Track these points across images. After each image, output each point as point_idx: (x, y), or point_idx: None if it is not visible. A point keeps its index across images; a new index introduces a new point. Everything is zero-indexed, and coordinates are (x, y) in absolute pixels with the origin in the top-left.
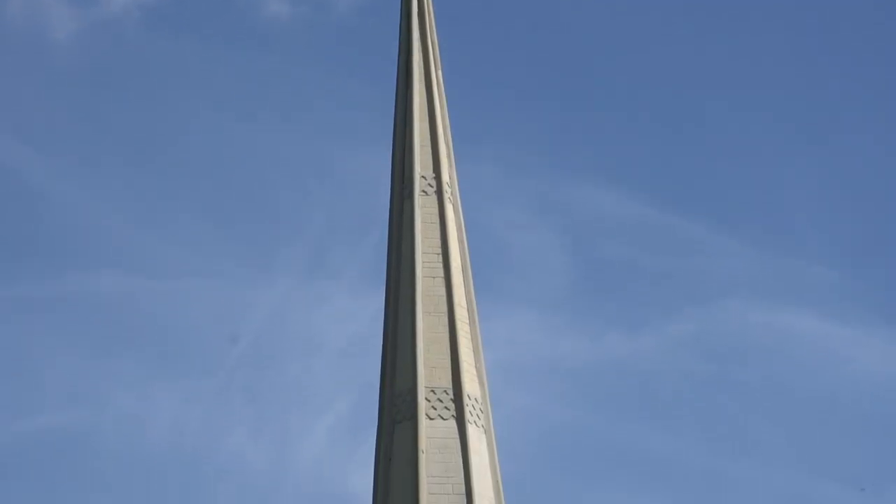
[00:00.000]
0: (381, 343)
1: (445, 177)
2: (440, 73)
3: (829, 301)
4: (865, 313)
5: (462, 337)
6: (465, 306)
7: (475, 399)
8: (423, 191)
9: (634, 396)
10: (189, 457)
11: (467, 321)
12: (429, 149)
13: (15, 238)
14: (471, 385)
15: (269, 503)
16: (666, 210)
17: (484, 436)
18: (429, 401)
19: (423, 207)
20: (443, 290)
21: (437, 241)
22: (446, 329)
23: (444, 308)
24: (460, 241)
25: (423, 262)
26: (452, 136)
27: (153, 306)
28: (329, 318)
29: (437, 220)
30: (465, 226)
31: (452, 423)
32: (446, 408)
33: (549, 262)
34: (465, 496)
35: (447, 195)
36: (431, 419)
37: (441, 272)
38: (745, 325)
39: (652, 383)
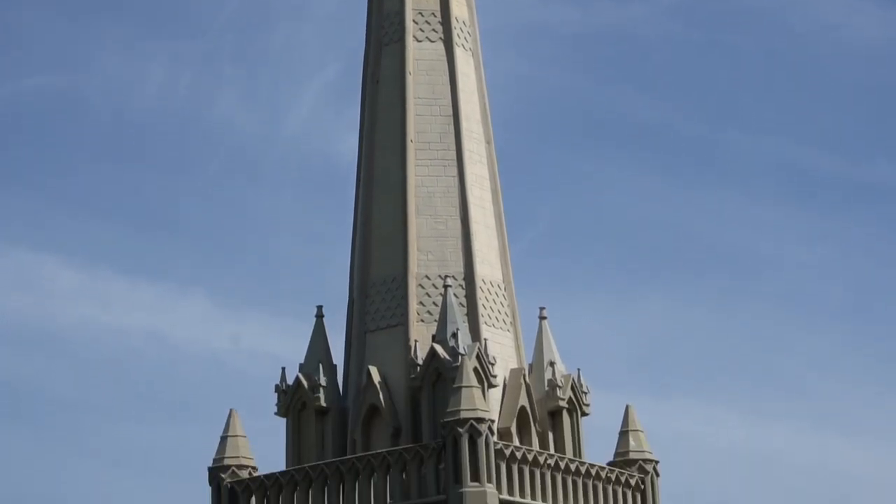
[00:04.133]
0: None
1: None
2: None
3: None
4: None
5: None
6: None
7: (463, 22)
8: None
9: (625, 64)
10: (178, 121)
11: None
12: None
13: None
14: (458, 8)
15: (258, 167)
16: None
17: (472, 59)
18: (416, 23)
19: None
20: None
21: None
22: None
23: None
24: None
25: None
26: None
27: None
28: None
29: None
30: None
31: (440, 46)
32: (434, 30)
33: None
34: (451, 118)
35: None
36: (419, 41)
37: None
38: None
39: (643, 50)
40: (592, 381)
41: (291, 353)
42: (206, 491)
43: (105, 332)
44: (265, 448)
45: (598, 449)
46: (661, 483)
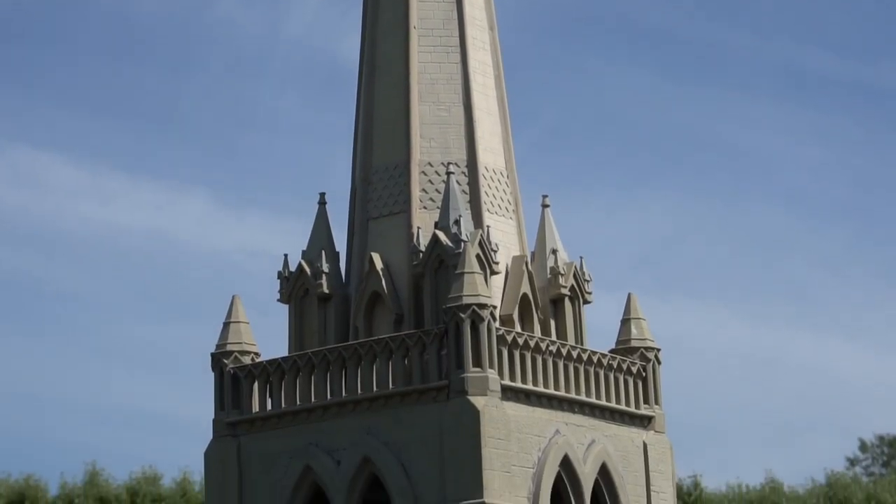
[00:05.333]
0: None
1: None
2: None
3: None
4: None
5: None
6: None
7: None
8: None
9: None
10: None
11: None
12: None
13: None
14: None
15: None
16: None
17: None
18: None
19: None
20: None
21: None
22: None
23: None
24: None
25: None
26: None
27: None
28: None
29: None
30: None
31: None
32: None
33: None
34: (455, 3)
35: None
36: None
37: None
38: None
39: None
40: (594, 277)
41: (294, 248)
42: (209, 379)
43: (107, 230)
44: (267, 338)
45: (599, 344)
46: (662, 371)
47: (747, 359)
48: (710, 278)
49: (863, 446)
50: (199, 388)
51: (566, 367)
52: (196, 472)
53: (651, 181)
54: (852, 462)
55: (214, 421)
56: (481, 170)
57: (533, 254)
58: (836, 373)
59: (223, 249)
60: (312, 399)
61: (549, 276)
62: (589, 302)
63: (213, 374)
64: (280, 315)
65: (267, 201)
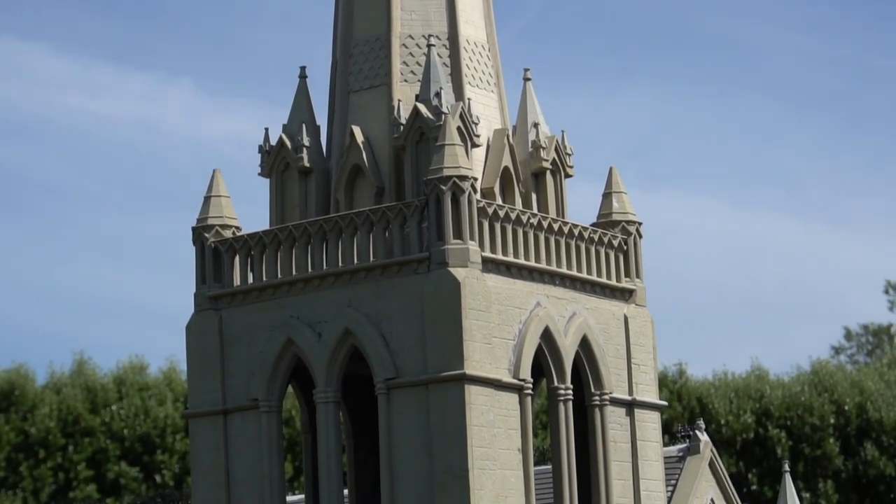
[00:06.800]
0: None
1: None
2: None
3: None
4: None
5: None
6: None
7: None
8: None
9: None
10: None
11: None
12: None
13: None
14: None
15: None
16: None
17: None
18: None
19: None
20: None
21: None
22: None
23: None
24: None
25: None
26: None
27: None
28: None
29: None
30: None
31: None
32: None
33: None
34: None
35: None
36: None
37: None
38: None
39: None
40: (578, 163)
41: (275, 123)
42: (191, 254)
43: (94, 121)
44: (249, 216)
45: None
46: (643, 244)
47: (734, 247)
48: (697, 168)
49: (848, 335)
50: (186, 278)
51: (547, 240)
52: (182, 361)
53: (638, 72)
54: (837, 350)
55: (196, 295)
56: (462, 42)
57: (514, 127)
58: (823, 261)
59: (209, 139)
60: (294, 272)
61: (530, 149)
62: (570, 176)
63: (194, 248)
64: (261, 190)
65: (253, 90)
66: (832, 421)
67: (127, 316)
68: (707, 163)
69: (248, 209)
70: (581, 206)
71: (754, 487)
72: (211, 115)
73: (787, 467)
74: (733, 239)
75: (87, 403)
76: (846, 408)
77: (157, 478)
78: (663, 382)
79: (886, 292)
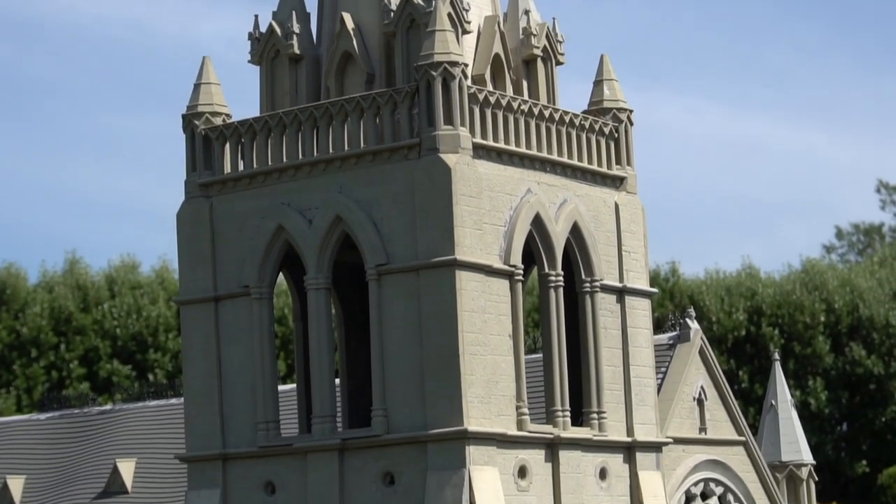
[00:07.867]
0: None
1: None
2: None
3: None
4: None
5: None
6: None
7: None
8: None
9: None
10: None
11: None
12: None
13: None
14: None
15: None
16: None
17: None
18: None
19: None
20: None
21: None
22: None
23: None
24: None
25: None
26: None
27: None
28: None
29: None
30: None
31: None
32: None
33: None
34: None
35: None
36: None
37: None
38: None
39: None
40: (572, 69)
41: (265, 9)
42: (181, 141)
43: (85, 20)
44: (239, 103)
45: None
46: (634, 132)
47: (726, 146)
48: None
49: (839, 234)
50: (178, 176)
51: (538, 127)
52: (174, 260)
53: None
54: (828, 249)
55: (186, 182)
56: None
57: (505, 14)
58: (814, 160)
59: (201, 37)
60: (284, 159)
61: (521, 36)
62: (561, 63)
63: (183, 135)
64: (252, 83)
65: None
66: (822, 319)
67: (119, 215)
68: (698, 61)
69: (239, 104)
70: (572, 99)
71: (745, 385)
72: (202, 13)
73: (776, 356)
74: (725, 138)
75: (79, 302)
76: (836, 306)
77: (150, 376)
78: (655, 280)
79: (878, 191)
